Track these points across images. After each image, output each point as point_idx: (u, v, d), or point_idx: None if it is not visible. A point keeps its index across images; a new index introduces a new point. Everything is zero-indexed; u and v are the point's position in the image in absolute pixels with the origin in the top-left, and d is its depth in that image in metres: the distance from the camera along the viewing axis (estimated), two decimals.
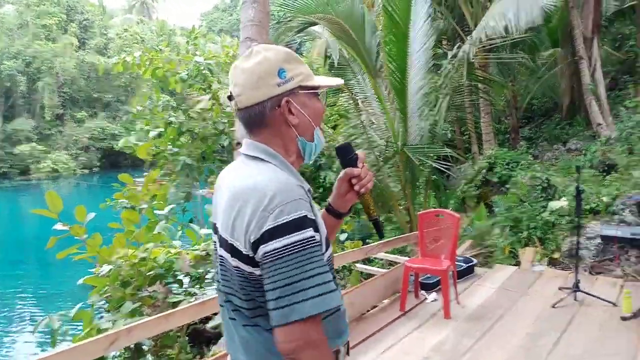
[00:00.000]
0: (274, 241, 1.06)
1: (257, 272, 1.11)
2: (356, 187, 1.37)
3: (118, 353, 4.30)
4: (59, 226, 3.80)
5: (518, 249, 6.98)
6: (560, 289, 5.00)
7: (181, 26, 50.98)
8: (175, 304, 4.37)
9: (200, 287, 4.82)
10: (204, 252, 4.97)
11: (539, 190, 7.69)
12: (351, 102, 8.80)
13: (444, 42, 14.07)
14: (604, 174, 8.74)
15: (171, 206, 5.18)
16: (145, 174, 5.78)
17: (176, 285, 4.92)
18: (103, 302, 4.62)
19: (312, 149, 1.28)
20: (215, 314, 4.05)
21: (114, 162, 39.66)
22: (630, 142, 8.96)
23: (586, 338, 3.96)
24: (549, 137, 13.48)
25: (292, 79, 1.22)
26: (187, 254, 4.99)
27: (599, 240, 6.36)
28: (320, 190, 9.39)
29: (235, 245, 1.14)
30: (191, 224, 5.39)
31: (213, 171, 7.79)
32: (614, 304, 4.57)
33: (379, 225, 1.45)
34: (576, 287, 4.73)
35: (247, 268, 1.13)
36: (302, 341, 1.06)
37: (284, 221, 1.06)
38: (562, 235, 6.87)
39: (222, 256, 1.22)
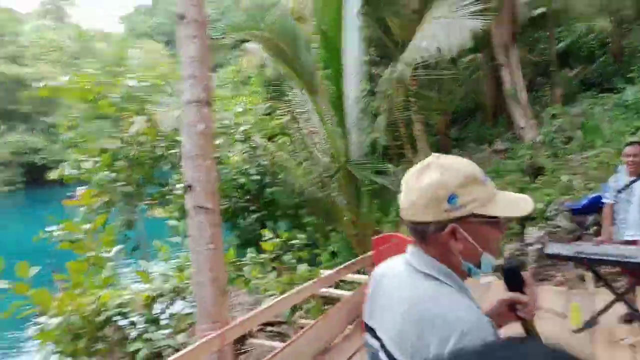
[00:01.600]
0: None
1: None
2: (520, 313, 1.30)
3: None
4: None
5: None
6: None
7: (100, 30, 48.78)
8: (134, 353, 4.16)
9: (157, 330, 4.60)
10: (156, 292, 4.77)
11: None
12: (289, 117, 8.76)
13: (371, 50, 14.37)
14: (533, 177, 9.27)
15: (119, 247, 4.92)
16: (79, 189, 5.49)
17: (131, 326, 4.70)
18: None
19: (478, 273, 1.20)
20: None
21: (38, 178, 37.15)
22: (554, 146, 9.55)
23: None
24: (475, 137, 14.13)
25: (464, 206, 1.13)
26: (140, 294, 4.78)
27: (538, 246, 6.74)
28: (265, 206, 9.28)
29: None
30: (141, 262, 5.15)
31: (154, 196, 7.51)
32: (564, 315, 4.84)
33: None
34: None
35: None
36: None
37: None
38: (502, 242, 7.20)
39: None
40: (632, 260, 3.98)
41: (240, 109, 8.39)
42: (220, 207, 8.72)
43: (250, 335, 5.42)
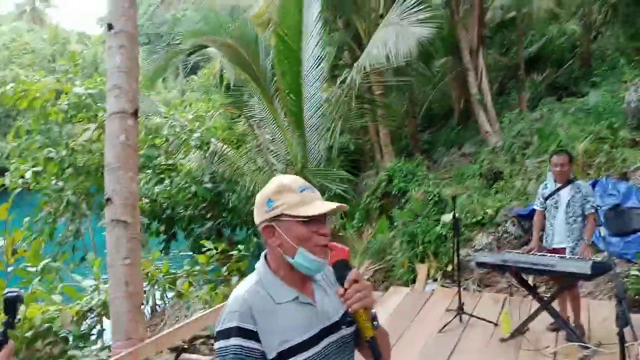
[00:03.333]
0: (215, 342, 1.41)
1: None
2: (343, 305, 1.42)
3: None
4: None
5: (415, 263, 7.26)
6: (447, 310, 5.25)
7: (78, 31, 48.23)
8: None
9: (84, 347, 4.53)
10: (87, 307, 4.70)
11: (431, 204, 8.03)
12: (247, 125, 8.70)
13: (346, 54, 14.37)
14: (491, 181, 9.32)
15: (45, 261, 4.83)
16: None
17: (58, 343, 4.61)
18: None
19: (298, 265, 1.44)
20: None
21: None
22: (512, 151, 9.61)
23: None
24: (446, 141, 14.19)
25: (276, 208, 1.43)
26: (70, 309, 4.70)
27: (485, 252, 6.77)
28: (225, 213, 9.21)
29: None
30: (74, 275, 5.06)
31: (102, 205, 7.38)
32: (495, 324, 4.86)
33: (373, 347, 1.43)
34: (460, 309, 4.99)
35: None
36: None
37: (217, 329, 1.41)
38: (453, 249, 7.21)
39: None
40: (552, 269, 4.01)
41: (191, 116, 8.32)
42: (177, 215, 8.72)
43: (192, 348, 5.37)
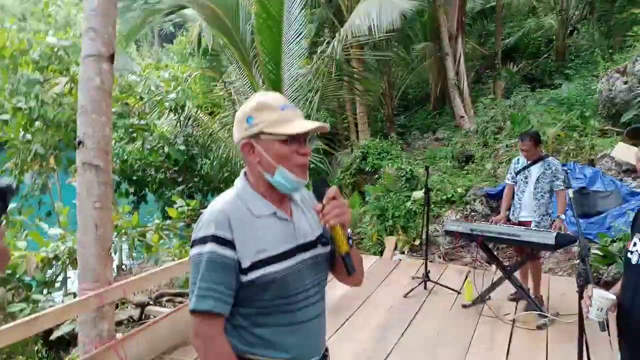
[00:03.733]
0: (191, 250, 1.45)
1: None
2: (320, 221, 1.44)
3: None
4: None
5: (384, 236, 7.37)
6: (412, 278, 5.37)
7: None
8: (13, 314, 4.02)
9: (48, 293, 4.47)
10: (52, 254, 4.62)
11: (403, 180, 8.13)
12: (225, 91, 8.59)
13: (327, 31, 14.29)
14: (463, 164, 9.48)
15: (12, 205, 4.72)
16: None
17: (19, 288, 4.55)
18: None
19: (277, 183, 1.45)
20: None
21: None
22: (485, 135, 9.78)
23: (430, 327, 4.30)
24: (421, 125, 14.33)
25: (256, 125, 1.43)
26: (35, 255, 4.62)
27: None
28: (196, 178, 9.13)
29: None
30: (41, 223, 4.96)
31: (72, 161, 7.23)
32: (459, 292, 5.00)
33: (347, 262, 1.47)
34: (426, 277, 5.11)
35: None
36: (193, 330, 1.42)
37: (194, 237, 1.44)
38: (421, 223, 7.33)
39: None
40: (517, 238, 4.13)
41: (167, 75, 8.16)
42: (148, 177, 8.59)
43: (158, 303, 5.35)
